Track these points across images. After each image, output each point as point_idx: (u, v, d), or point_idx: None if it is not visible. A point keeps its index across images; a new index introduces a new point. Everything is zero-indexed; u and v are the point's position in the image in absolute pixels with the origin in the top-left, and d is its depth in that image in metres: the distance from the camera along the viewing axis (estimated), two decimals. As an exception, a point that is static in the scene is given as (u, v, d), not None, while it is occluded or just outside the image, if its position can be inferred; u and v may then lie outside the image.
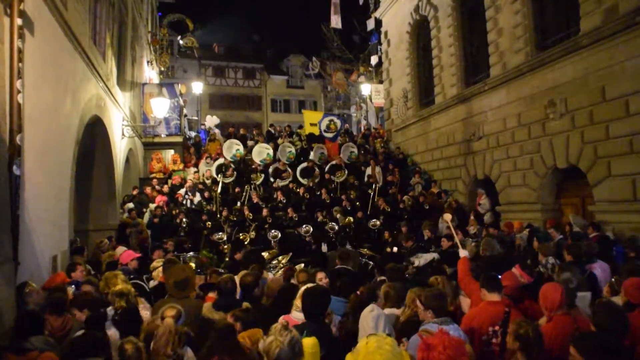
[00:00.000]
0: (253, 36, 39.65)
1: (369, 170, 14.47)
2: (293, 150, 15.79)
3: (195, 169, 15.23)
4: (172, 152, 16.06)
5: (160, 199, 12.63)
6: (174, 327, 3.18)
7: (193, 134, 20.30)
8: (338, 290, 4.40)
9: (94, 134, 9.66)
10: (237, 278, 5.07)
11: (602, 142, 8.78)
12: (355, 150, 15.91)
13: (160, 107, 12.90)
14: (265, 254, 9.68)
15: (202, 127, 21.00)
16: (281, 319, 3.77)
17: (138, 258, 6.88)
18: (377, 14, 20.16)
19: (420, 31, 16.81)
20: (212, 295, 4.84)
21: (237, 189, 13.92)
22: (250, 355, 3.06)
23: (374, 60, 22.95)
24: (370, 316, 3.26)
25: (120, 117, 11.70)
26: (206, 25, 34.31)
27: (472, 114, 13.07)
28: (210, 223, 12.01)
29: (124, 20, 12.73)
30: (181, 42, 25.55)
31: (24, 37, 5.03)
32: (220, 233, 11.39)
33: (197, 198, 13.14)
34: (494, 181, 12.15)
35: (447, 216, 6.83)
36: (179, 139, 16.27)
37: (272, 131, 19.17)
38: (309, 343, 2.81)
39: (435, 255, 7.13)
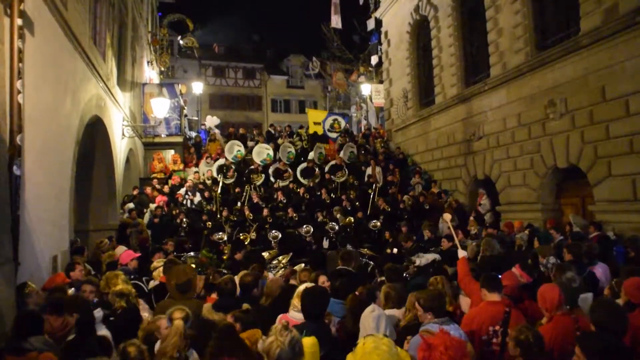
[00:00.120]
0: (253, 36, 39.64)
1: (369, 170, 14.47)
2: (293, 150, 15.80)
3: (196, 169, 15.24)
4: (172, 152, 16.06)
5: (160, 199, 12.64)
6: (184, 330, 3.18)
7: (193, 134, 20.31)
8: (337, 291, 4.40)
9: (94, 134, 9.65)
10: (236, 278, 5.08)
11: (602, 142, 8.78)
12: (355, 150, 15.92)
13: (160, 107, 12.91)
14: (265, 254, 9.68)
15: (202, 127, 21.01)
16: (279, 319, 3.78)
17: (138, 258, 6.88)
18: (377, 14, 20.16)
19: (421, 31, 16.81)
20: (214, 296, 4.84)
21: (237, 189, 13.93)
22: (253, 354, 3.06)
23: (374, 60, 22.95)
24: (371, 316, 3.26)
25: (120, 117, 11.70)
26: (206, 25, 34.33)
27: (472, 114, 13.07)
28: (210, 223, 12.02)
29: (124, 21, 12.73)
30: (181, 42, 25.53)
31: (24, 37, 5.03)
32: (221, 233, 11.39)
33: (197, 198, 13.15)
34: (494, 181, 12.15)
35: (447, 216, 6.83)
36: (179, 139, 16.27)
37: (272, 131, 19.16)
38: (309, 343, 2.81)
39: (436, 256, 7.12)
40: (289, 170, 14.74)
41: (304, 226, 11.29)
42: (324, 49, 29.34)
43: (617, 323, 3.14)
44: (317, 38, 27.58)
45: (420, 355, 2.66)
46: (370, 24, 21.87)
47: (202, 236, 11.66)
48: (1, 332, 4.13)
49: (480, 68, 13.13)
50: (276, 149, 15.90)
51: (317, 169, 14.77)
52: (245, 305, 4.16)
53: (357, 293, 4.09)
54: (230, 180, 14.33)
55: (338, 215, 11.91)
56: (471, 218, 11.09)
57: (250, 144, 17.20)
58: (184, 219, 11.65)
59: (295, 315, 3.79)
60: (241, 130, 18.73)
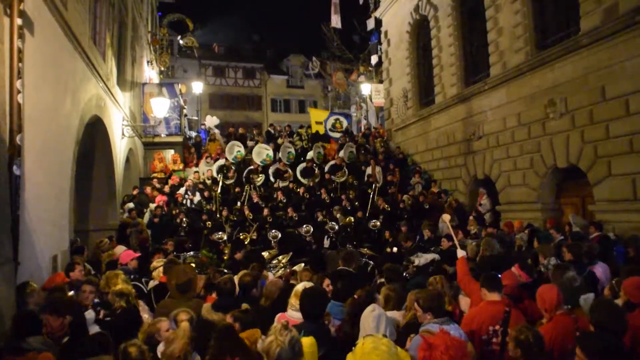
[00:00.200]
0: (253, 36, 39.63)
1: (369, 170, 14.47)
2: (292, 150, 15.80)
3: (196, 169, 15.25)
4: (172, 152, 16.06)
5: (160, 199, 12.64)
6: (190, 332, 3.17)
7: (193, 133, 20.31)
8: (337, 293, 4.39)
9: (94, 134, 9.66)
10: (236, 278, 5.08)
11: (602, 142, 8.78)
12: (354, 149, 15.92)
13: (160, 106, 12.91)
14: (265, 254, 9.69)
15: (202, 127, 21.01)
16: (278, 318, 3.78)
17: (138, 258, 6.88)
18: (377, 14, 20.14)
19: (420, 31, 16.80)
20: (214, 296, 4.84)
21: (237, 189, 13.93)
22: (253, 354, 3.06)
23: (374, 60, 22.93)
24: (372, 316, 3.25)
25: (120, 117, 11.70)
26: (206, 25, 34.32)
27: (472, 113, 13.07)
28: (210, 223, 12.02)
29: (124, 20, 12.73)
30: (181, 42, 25.52)
31: (24, 37, 5.03)
32: (220, 233, 11.40)
33: (197, 198, 13.15)
34: (494, 181, 12.15)
35: (446, 217, 6.81)
36: (179, 139, 16.28)
37: (272, 131, 19.16)
38: (307, 342, 2.82)
39: (436, 256, 7.12)
40: (289, 170, 14.74)
41: (304, 226, 11.30)
42: (324, 48, 29.35)
43: (616, 323, 3.14)
44: (317, 38, 27.63)
45: (420, 355, 2.66)
46: (370, 24, 21.85)
47: (202, 236, 11.67)
48: (1, 332, 4.13)
49: (480, 68, 13.12)
50: (276, 149, 15.89)
51: (316, 169, 14.77)
52: (244, 305, 4.16)
53: (355, 297, 4.08)
54: (231, 181, 14.34)
55: (338, 215, 11.92)
56: (471, 217, 11.09)
57: (250, 143, 17.20)
58: (184, 219, 11.65)
59: (293, 314, 3.78)
60: (240, 130, 18.73)
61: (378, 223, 11.66)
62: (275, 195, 13.32)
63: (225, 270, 7.47)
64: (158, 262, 6.49)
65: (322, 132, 17.26)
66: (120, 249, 7.73)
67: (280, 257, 9.67)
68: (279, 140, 17.06)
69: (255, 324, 3.57)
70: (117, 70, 11.70)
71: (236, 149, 15.60)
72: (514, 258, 6.01)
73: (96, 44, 9.35)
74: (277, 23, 43.53)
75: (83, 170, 9.18)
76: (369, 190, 13.52)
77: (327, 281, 4.76)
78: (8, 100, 4.74)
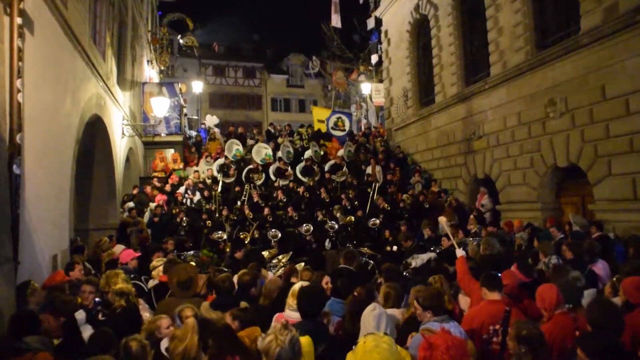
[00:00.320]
0: (253, 35, 39.65)
1: (369, 169, 14.47)
2: (291, 149, 15.80)
3: (196, 168, 15.24)
4: (172, 151, 16.06)
5: (160, 198, 12.64)
6: (197, 328, 3.16)
7: (193, 133, 20.30)
8: (338, 290, 4.39)
9: (94, 133, 9.66)
10: (236, 277, 5.08)
11: (603, 141, 8.77)
12: (352, 148, 15.91)
13: (160, 106, 12.91)
14: (265, 253, 9.69)
15: (202, 126, 21.01)
16: (276, 318, 3.78)
17: (138, 257, 6.88)
18: (377, 13, 20.13)
19: (421, 30, 16.79)
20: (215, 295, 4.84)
21: (237, 188, 13.93)
22: (253, 353, 3.06)
23: (374, 59, 22.93)
24: (372, 315, 3.25)
25: (120, 116, 11.69)
26: (206, 25, 34.30)
27: (472, 113, 13.06)
28: (210, 222, 12.02)
29: (124, 20, 12.72)
30: (181, 41, 25.48)
31: (23, 36, 5.02)
32: (220, 232, 11.40)
33: (197, 197, 13.15)
34: (494, 180, 12.14)
35: (442, 219, 6.80)
36: (179, 138, 16.27)
37: (272, 130, 19.16)
38: (304, 342, 2.82)
39: (432, 255, 7.11)
40: (290, 169, 14.74)
41: (304, 225, 11.31)
42: (324, 48, 29.36)
43: (612, 322, 3.14)
44: (317, 37, 27.64)
45: (421, 354, 2.65)
46: (370, 23, 21.84)
47: (202, 235, 11.67)
48: (0, 332, 4.13)
49: (480, 67, 13.11)
50: (276, 148, 15.89)
51: (316, 167, 14.77)
52: (243, 304, 4.16)
53: (355, 294, 4.08)
54: (231, 179, 14.33)
55: (338, 214, 11.92)
56: (471, 217, 11.07)
57: (250, 142, 17.20)
58: (184, 218, 11.65)
59: (291, 314, 3.78)
60: (240, 129, 18.74)
61: (378, 222, 11.67)
62: (275, 195, 13.32)
63: (225, 270, 7.47)
64: (158, 262, 6.49)
65: (324, 130, 17.26)
66: (119, 248, 7.73)
67: (280, 257, 9.68)
68: (279, 140, 17.06)
69: (254, 323, 3.57)
70: (117, 69, 11.70)
71: (235, 147, 15.59)
72: (514, 257, 6.00)
73: (96, 43, 9.34)
74: (277, 22, 43.65)
75: (83, 170, 9.18)
76: (369, 190, 13.52)
77: (326, 278, 4.77)
78: (8, 100, 4.74)
